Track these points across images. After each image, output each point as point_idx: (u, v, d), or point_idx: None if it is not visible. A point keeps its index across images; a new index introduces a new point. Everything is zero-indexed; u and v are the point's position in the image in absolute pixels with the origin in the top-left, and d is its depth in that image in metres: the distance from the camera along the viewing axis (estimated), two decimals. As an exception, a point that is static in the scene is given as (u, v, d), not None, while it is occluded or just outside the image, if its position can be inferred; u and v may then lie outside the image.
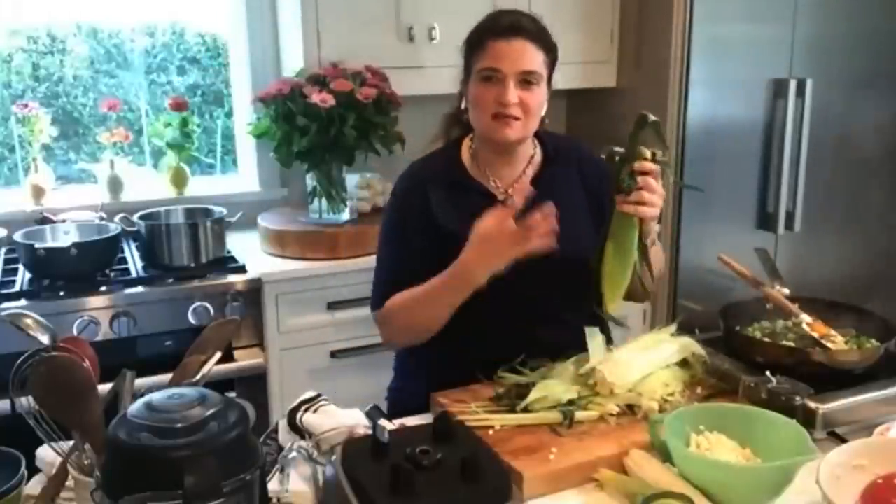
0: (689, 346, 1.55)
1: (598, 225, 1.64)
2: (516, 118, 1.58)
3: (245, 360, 2.40)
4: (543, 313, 1.64)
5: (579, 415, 1.38)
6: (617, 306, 1.53)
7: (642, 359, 1.49)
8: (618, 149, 1.49)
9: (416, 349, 1.67)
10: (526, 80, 1.57)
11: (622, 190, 1.46)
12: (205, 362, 1.18)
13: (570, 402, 1.40)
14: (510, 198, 1.65)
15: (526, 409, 1.39)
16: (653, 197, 1.46)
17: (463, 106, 1.67)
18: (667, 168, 1.51)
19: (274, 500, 1.16)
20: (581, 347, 1.51)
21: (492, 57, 1.57)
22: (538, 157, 1.72)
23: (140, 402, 0.95)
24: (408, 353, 1.75)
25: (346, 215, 2.67)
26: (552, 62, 1.66)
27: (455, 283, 1.51)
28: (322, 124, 2.47)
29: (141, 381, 1.21)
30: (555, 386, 1.43)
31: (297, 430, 1.34)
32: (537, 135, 1.72)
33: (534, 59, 1.58)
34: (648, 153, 1.47)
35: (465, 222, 1.56)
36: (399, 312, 1.61)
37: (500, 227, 1.45)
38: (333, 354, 2.50)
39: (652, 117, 1.46)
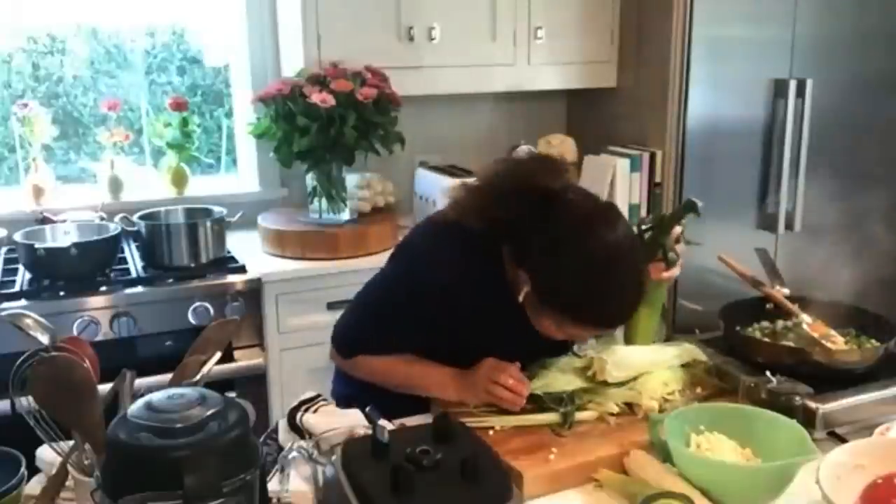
0: (691, 352, 1.55)
1: None
2: None
3: (245, 360, 2.40)
4: (511, 326, 1.47)
5: (579, 415, 1.39)
6: None
7: (643, 356, 1.50)
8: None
9: None
10: None
11: (666, 262, 1.58)
12: (205, 362, 1.18)
13: (570, 400, 1.40)
14: None
15: (527, 411, 1.39)
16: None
17: (523, 293, 1.38)
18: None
19: (274, 500, 1.16)
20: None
21: (582, 333, 1.42)
22: None
23: (140, 402, 0.95)
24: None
25: (346, 215, 2.67)
26: None
27: (454, 390, 1.48)
28: (322, 124, 2.47)
29: (141, 381, 1.21)
30: (556, 375, 1.43)
31: (297, 430, 1.34)
32: None
33: None
34: (680, 229, 1.62)
35: (484, 328, 1.51)
36: (369, 373, 1.57)
37: (520, 388, 1.40)
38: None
39: (700, 204, 1.59)
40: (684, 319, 2.89)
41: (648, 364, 1.49)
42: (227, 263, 2.47)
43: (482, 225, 1.42)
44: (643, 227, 1.58)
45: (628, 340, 1.60)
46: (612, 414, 1.40)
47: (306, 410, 1.36)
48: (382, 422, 1.27)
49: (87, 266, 2.30)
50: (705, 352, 1.57)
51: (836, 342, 1.53)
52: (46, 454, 1.22)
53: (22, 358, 1.07)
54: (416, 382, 1.53)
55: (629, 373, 1.45)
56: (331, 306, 2.48)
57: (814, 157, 2.99)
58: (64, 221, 2.51)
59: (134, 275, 2.37)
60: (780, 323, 1.64)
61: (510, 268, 1.43)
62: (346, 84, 2.47)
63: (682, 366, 1.53)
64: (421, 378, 1.52)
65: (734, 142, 2.91)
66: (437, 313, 1.50)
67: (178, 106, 2.82)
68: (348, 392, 1.64)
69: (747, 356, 1.52)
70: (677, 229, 1.60)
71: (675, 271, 1.59)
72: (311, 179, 2.68)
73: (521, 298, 1.38)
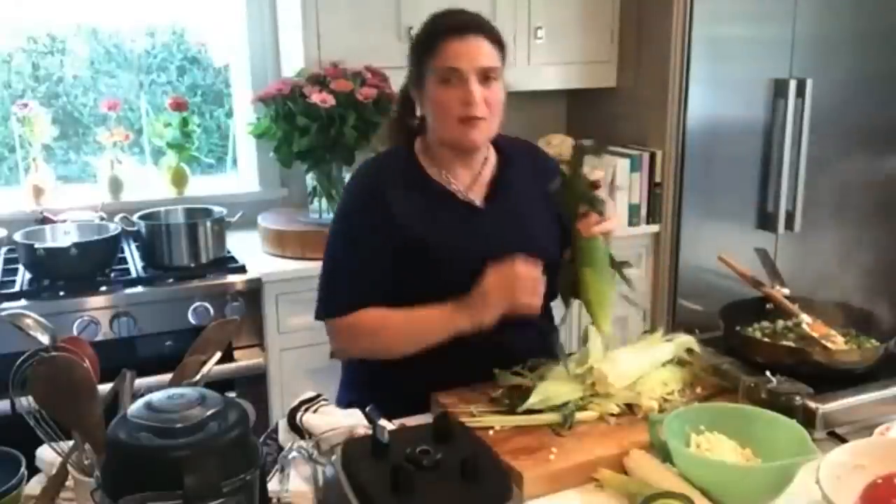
0: (684, 343, 1.55)
1: (554, 223, 1.63)
2: (482, 118, 1.53)
3: (245, 360, 2.40)
4: (512, 324, 1.52)
5: (579, 415, 1.38)
6: (609, 324, 1.50)
7: (640, 358, 1.49)
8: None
9: (372, 362, 1.62)
10: (486, 76, 1.52)
11: (594, 210, 1.47)
12: (205, 362, 1.18)
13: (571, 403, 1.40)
14: (472, 198, 1.62)
15: (527, 411, 1.39)
16: (612, 210, 1.49)
17: (419, 112, 1.61)
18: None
19: (274, 500, 1.16)
20: (546, 349, 1.54)
21: (449, 56, 1.51)
22: (493, 159, 1.67)
23: (140, 402, 0.95)
24: (361, 365, 1.68)
25: (345, 215, 2.67)
26: (504, 59, 1.59)
27: (460, 316, 1.47)
28: (322, 124, 2.47)
29: (141, 381, 1.21)
30: (554, 387, 1.43)
31: (297, 430, 1.34)
32: None
33: (491, 54, 1.53)
34: (592, 172, 1.52)
35: (429, 224, 1.56)
36: (373, 331, 1.55)
37: (532, 273, 1.43)
38: (333, 354, 2.50)
39: (587, 143, 1.50)
40: (684, 319, 2.89)
41: (647, 365, 1.48)
42: (227, 263, 2.47)
43: (406, 129, 1.65)
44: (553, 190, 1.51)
45: (587, 307, 1.51)
46: (612, 414, 1.40)
47: (306, 410, 1.36)
48: (382, 422, 1.27)
49: (87, 266, 2.30)
50: (705, 351, 1.57)
51: (836, 342, 1.53)
52: (46, 454, 1.22)
53: (22, 358, 1.06)
54: (421, 329, 1.51)
55: (628, 381, 1.45)
56: (331, 306, 2.48)
57: (814, 157, 3.00)
58: (64, 221, 2.51)
59: (134, 275, 2.37)
60: (780, 323, 1.64)
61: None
62: (346, 84, 2.47)
63: (681, 363, 1.53)
64: (425, 322, 1.51)
65: (734, 142, 2.91)
66: (386, 224, 1.54)
67: (178, 106, 2.83)
68: (354, 398, 1.62)
69: (747, 356, 1.52)
70: (596, 174, 1.52)
71: (610, 224, 1.50)
72: (311, 179, 2.68)
73: (419, 111, 1.60)
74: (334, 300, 1.59)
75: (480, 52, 1.52)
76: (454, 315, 1.48)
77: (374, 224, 1.56)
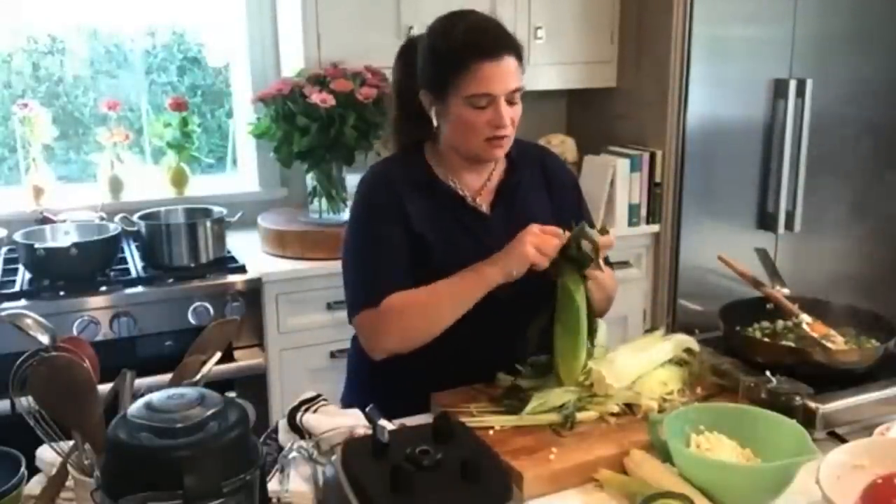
0: (682, 342, 1.55)
1: (559, 225, 1.59)
2: (507, 136, 1.55)
3: (245, 360, 2.40)
4: (511, 323, 1.53)
5: (579, 415, 1.38)
6: (575, 378, 1.47)
7: (638, 358, 1.49)
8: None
9: (376, 362, 1.59)
10: (513, 95, 1.53)
11: (586, 265, 1.47)
12: (205, 362, 1.18)
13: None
14: (479, 204, 1.63)
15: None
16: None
17: (436, 124, 1.59)
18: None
19: (274, 500, 1.16)
20: (544, 352, 1.51)
21: (483, 81, 1.49)
22: (501, 164, 1.68)
23: (140, 402, 0.95)
24: (363, 365, 1.66)
25: (345, 215, 2.66)
26: (524, 70, 1.60)
27: (492, 270, 1.47)
28: (322, 124, 2.47)
29: (141, 381, 1.21)
30: (552, 394, 1.42)
31: (297, 430, 1.34)
32: None
33: (519, 74, 1.53)
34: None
35: (436, 227, 1.57)
36: (405, 311, 1.51)
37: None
38: (333, 354, 2.50)
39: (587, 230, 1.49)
40: (684, 319, 2.89)
41: (646, 365, 1.48)
42: (227, 263, 2.47)
43: (410, 132, 1.66)
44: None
45: (555, 368, 1.49)
46: (612, 414, 1.40)
47: (306, 410, 1.36)
48: (382, 422, 1.27)
49: (87, 266, 2.30)
50: (705, 351, 1.57)
51: (836, 342, 1.53)
52: (46, 454, 1.22)
53: (22, 358, 1.06)
54: (459, 291, 1.50)
55: (626, 381, 1.44)
56: (331, 306, 2.49)
57: (814, 157, 3.00)
58: (64, 221, 2.51)
59: (134, 275, 2.37)
60: (780, 323, 1.64)
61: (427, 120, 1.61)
62: (346, 84, 2.48)
63: (680, 364, 1.53)
64: (459, 285, 1.49)
65: (734, 142, 2.91)
66: (403, 220, 1.56)
67: (178, 106, 2.83)
68: (356, 399, 1.62)
69: (747, 356, 1.52)
70: (604, 240, 1.48)
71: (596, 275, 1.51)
72: (311, 179, 2.68)
73: (435, 122, 1.59)
74: (364, 294, 1.56)
75: (511, 74, 1.51)
76: (486, 269, 1.47)
77: (394, 218, 1.57)
